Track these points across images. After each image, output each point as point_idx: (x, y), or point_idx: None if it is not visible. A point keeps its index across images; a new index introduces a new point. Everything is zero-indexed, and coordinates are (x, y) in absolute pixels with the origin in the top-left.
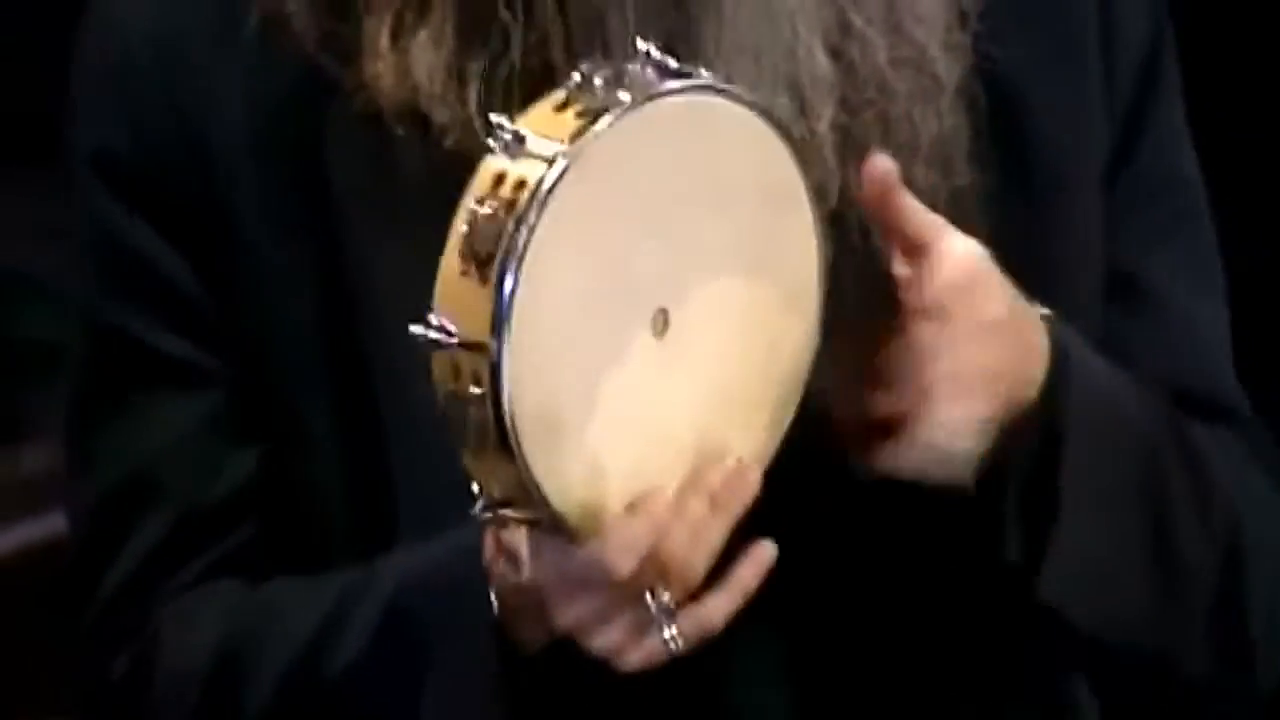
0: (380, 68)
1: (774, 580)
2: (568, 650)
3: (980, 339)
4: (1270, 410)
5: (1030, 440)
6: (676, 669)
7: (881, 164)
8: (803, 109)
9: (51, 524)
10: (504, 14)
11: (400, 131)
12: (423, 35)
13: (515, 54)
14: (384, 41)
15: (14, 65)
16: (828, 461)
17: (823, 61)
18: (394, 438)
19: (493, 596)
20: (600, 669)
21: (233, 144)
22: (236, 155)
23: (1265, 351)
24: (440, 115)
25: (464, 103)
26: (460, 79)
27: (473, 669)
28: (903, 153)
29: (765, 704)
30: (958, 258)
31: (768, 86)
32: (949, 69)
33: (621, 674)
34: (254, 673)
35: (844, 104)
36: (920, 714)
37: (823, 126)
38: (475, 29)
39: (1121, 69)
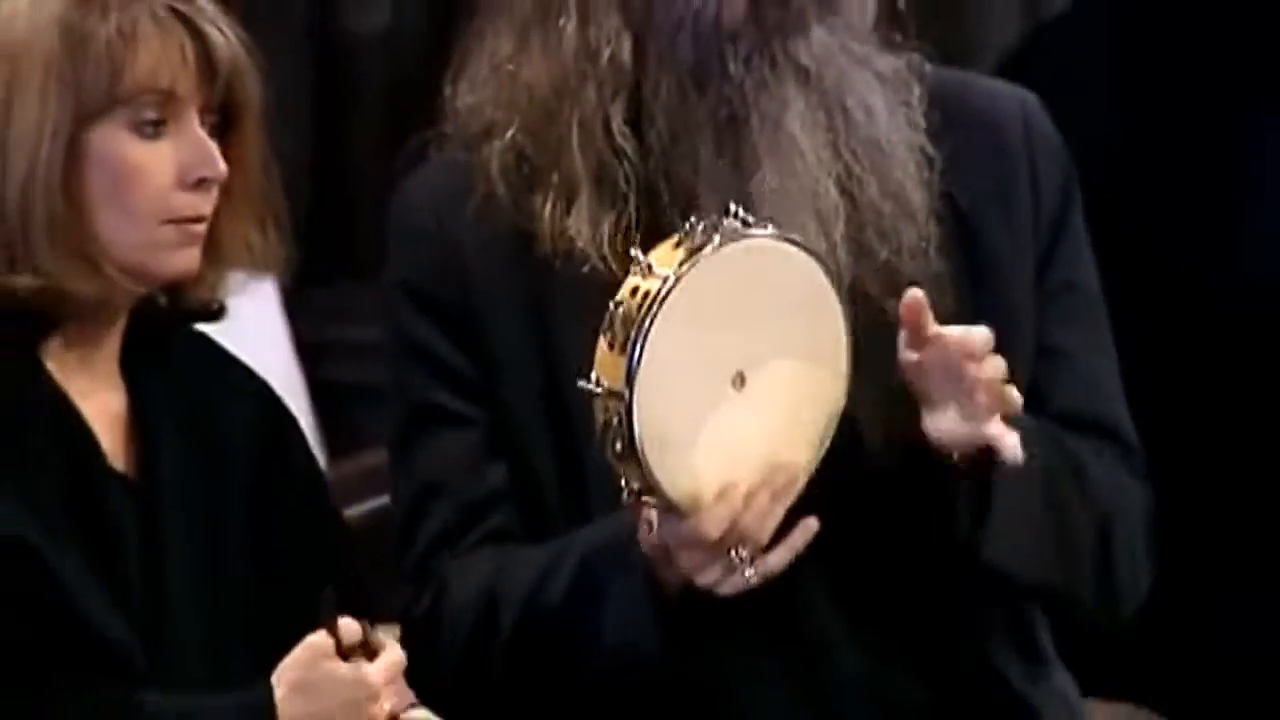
0: (552, 226)
1: (817, 542)
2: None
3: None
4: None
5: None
6: (759, 598)
7: (915, 294)
8: (823, 227)
9: (378, 503)
10: (623, 186)
11: (559, 263)
12: (577, 206)
13: (631, 212)
14: (550, 209)
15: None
16: (851, 468)
17: (834, 195)
18: (589, 466)
19: (642, 551)
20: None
21: (479, 273)
22: (482, 281)
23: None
24: (592, 257)
25: (598, 245)
26: (599, 233)
27: (633, 597)
28: (891, 254)
29: (824, 626)
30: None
31: (799, 215)
32: (920, 197)
33: (719, 599)
34: (505, 599)
35: (850, 222)
36: (924, 640)
37: (837, 238)
38: (606, 199)
39: (1044, 203)
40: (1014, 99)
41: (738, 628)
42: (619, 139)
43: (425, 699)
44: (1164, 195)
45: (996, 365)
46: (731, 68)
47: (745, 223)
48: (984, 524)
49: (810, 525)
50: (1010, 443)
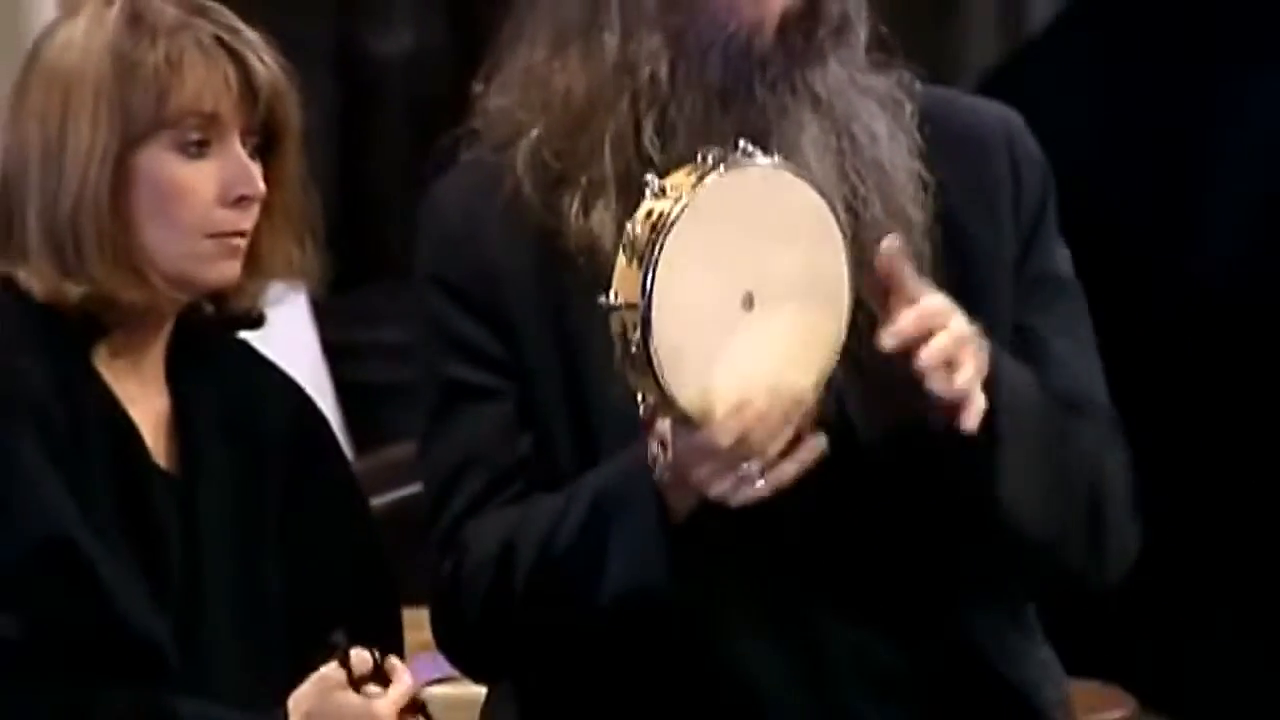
0: (577, 224)
1: (808, 521)
2: (697, 520)
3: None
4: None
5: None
6: (756, 569)
7: (892, 241)
8: (835, 213)
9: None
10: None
11: (581, 259)
12: (599, 205)
13: None
14: (575, 208)
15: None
16: (843, 455)
17: (842, 213)
18: (602, 437)
19: (653, 481)
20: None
21: (506, 266)
22: (509, 273)
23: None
24: (608, 249)
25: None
26: (618, 227)
27: (644, 525)
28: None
29: (814, 599)
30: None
31: None
32: (915, 213)
33: (730, 513)
34: (521, 546)
35: (855, 237)
36: (910, 614)
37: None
38: (630, 202)
39: (1024, 208)
40: (999, 118)
41: (734, 598)
42: (649, 148)
43: (453, 655)
44: (1136, 195)
45: (954, 331)
46: (757, 91)
47: (751, 153)
48: (996, 473)
49: (818, 443)
50: (972, 411)
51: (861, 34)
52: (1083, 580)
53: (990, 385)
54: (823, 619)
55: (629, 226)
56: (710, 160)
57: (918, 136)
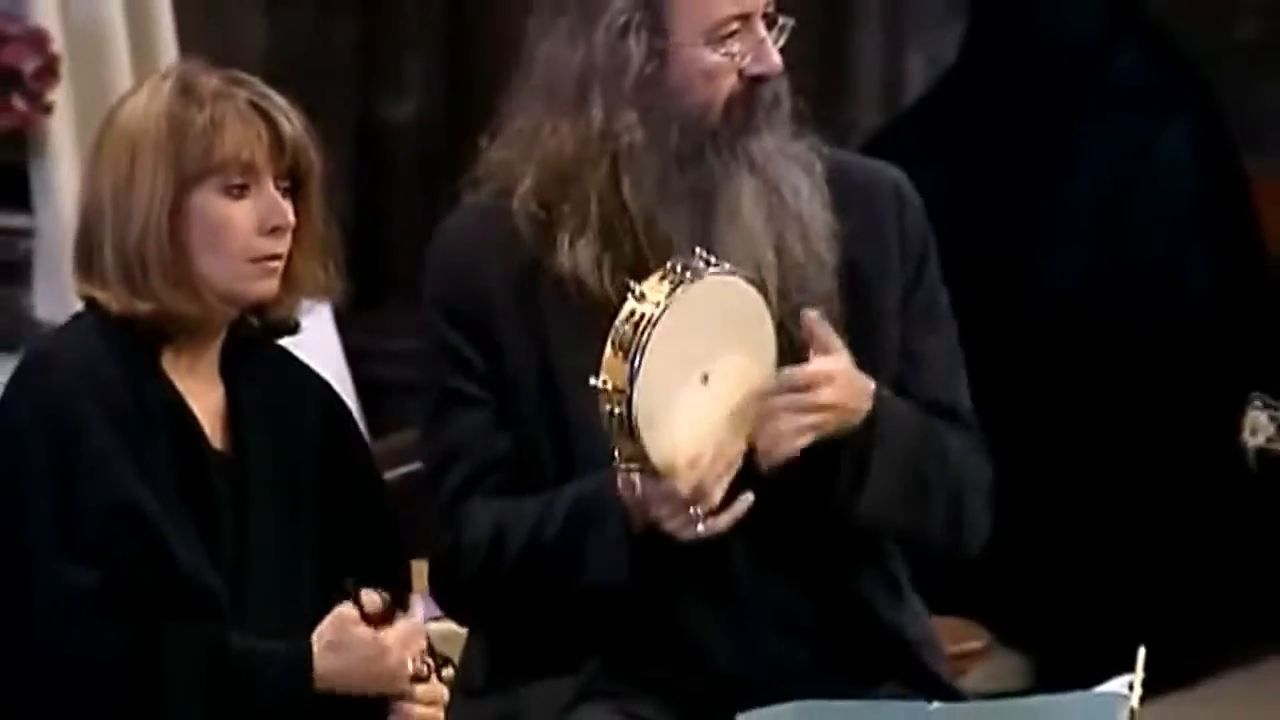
0: (563, 258)
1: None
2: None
3: (850, 386)
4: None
5: (860, 434)
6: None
7: (812, 313)
8: (761, 277)
9: (407, 470)
10: (621, 234)
11: (569, 289)
12: (581, 243)
13: (628, 251)
14: (563, 244)
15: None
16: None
17: (770, 256)
18: (574, 438)
19: (620, 503)
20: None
21: (498, 294)
22: (500, 300)
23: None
24: (590, 282)
25: (600, 277)
26: (599, 265)
27: (611, 535)
28: (808, 296)
29: (738, 565)
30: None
31: (745, 269)
32: (828, 256)
33: (675, 542)
34: (510, 537)
35: (780, 276)
36: (811, 576)
37: (770, 288)
38: (609, 242)
39: (909, 251)
40: (888, 176)
41: (678, 566)
42: (627, 199)
43: (448, 610)
44: (986, 237)
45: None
46: (707, 157)
47: (709, 262)
48: (861, 488)
49: (747, 498)
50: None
51: (786, 109)
52: (943, 555)
53: (870, 422)
54: (745, 578)
55: (616, 324)
56: (679, 270)
57: (827, 192)
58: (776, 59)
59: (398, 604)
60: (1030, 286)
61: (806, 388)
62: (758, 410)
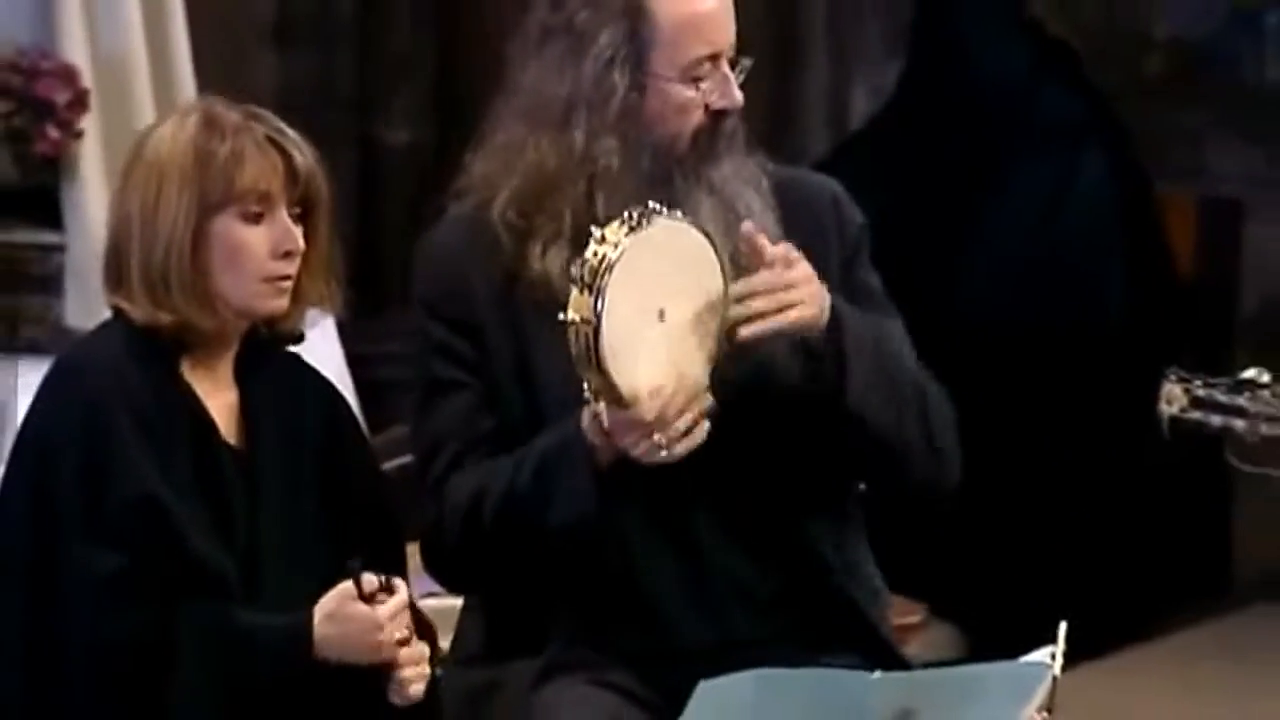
0: (536, 263)
1: (700, 475)
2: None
3: (812, 278)
4: None
5: (830, 331)
6: (661, 512)
7: (749, 227)
8: (715, 248)
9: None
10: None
11: (537, 288)
12: (554, 250)
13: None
14: (536, 251)
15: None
16: (728, 395)
17: (726, 262)
18: (543, 404)
19: (586, 441)
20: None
21: (481, 294)
22: (482, 299)
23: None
24: (561, 286)
25: (565, 278)
26: (565, 268)
27: (579, 473)
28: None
29: (702, 534)
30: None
31: None
32: (772, 238)
33: (641, 468)
34: (488, 493)
35: (734, 278)
36: (770, 545)
37: (724, 256)
38: (580, 249)
39: (846, 244)
40: (826, 187)
41: (647, 535)
42: (600, 214)
43: (440, 579)
44: (923, 250)
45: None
46: (675, 180)
47: (663, 211)
48: (845, 380)
49: (704, 426)
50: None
51: (742, 137)
52: (925, 490)
53: (834, 318)
54: (705, 546)
55: (581, 264)
56: (635, 216)
57: (774, 204)
58: (739, 95)
59: (392, 585)
60: (966, 291)
61: (783, 266)
62: (721, 322)
